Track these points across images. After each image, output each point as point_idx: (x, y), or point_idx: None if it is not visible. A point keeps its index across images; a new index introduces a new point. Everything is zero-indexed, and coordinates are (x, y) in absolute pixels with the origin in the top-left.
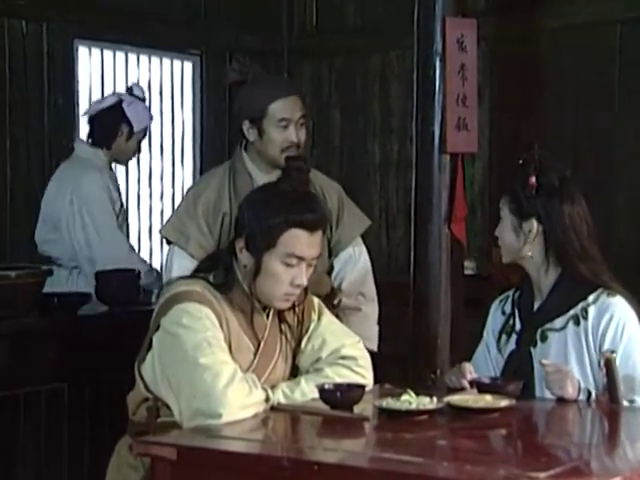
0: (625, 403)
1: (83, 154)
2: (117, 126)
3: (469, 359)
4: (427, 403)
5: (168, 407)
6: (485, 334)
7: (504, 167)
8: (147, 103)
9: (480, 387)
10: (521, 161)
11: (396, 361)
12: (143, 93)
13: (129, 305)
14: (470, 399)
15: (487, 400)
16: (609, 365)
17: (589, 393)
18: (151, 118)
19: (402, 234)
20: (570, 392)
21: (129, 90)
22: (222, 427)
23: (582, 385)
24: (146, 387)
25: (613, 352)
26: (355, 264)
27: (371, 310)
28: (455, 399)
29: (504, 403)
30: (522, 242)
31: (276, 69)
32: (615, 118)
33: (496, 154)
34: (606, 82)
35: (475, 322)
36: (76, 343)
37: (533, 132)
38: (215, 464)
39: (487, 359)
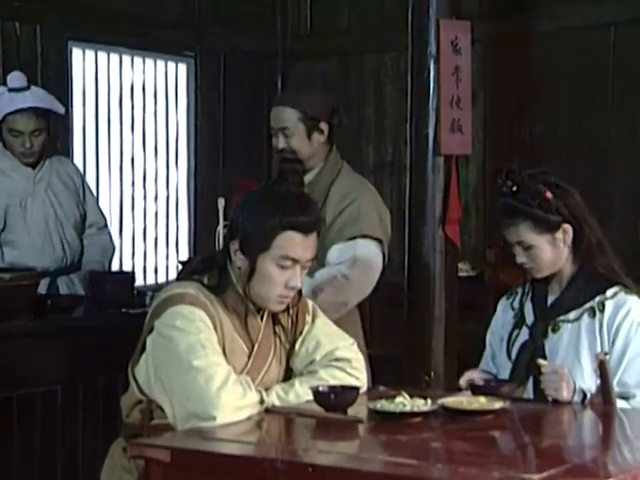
0: (638, 399)
1: None
2: None
3: (463, 360)
4: (421, 405)
5: (162, 409)
6: (489, 336)
7: (498, 169)
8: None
9: (474, 389)
10: (515, 188)
11: (390, 363)
12: (19, 81)
13: (123, 307)
14: (464, 401)
15: (481, 402)
16: (602, 367)
17: (584, 395)
18: (18, 102)
19: (396, 236)
20: (565, 395)
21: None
22: (216, 429)
23: (577, 386)
24: (140, 389)
25: (606, 354)
26: None
27: None
28: (449, 401)
29: (498, 405)
30: (560, 250)
31: (270, 71)
32: (609, 120)
33: (490, 156)
34: (600, 84)
35: (469, 324)
36: (70, 345)
37: (527, 134)
38: (209, 466)
39: (490, 368)
